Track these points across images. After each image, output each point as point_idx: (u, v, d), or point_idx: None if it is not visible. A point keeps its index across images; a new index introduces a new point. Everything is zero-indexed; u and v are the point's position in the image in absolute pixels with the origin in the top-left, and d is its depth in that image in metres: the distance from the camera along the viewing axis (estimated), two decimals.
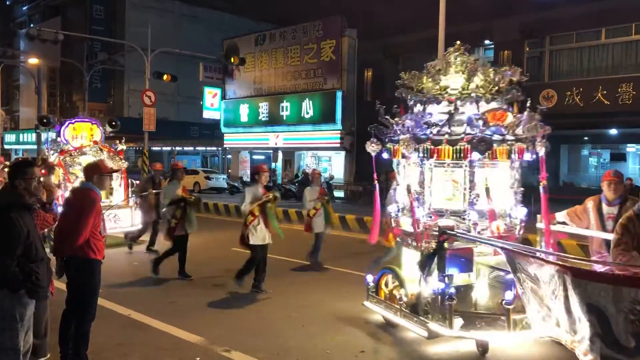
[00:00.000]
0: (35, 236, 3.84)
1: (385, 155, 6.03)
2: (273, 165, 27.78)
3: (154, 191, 10.58)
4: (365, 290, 6.34)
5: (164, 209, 8.67)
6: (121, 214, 11.16)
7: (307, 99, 25.56)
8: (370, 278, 6.34)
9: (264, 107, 27.71)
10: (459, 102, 5.63)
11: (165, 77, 22.34)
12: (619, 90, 18.13)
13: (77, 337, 4.71)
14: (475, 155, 5.37)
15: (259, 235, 7.55)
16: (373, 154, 6.08)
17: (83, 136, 11.76)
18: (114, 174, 11.15)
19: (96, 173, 4.82)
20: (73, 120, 11.92)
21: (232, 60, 23.70)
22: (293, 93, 26.43)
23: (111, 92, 37.47)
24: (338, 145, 24.78)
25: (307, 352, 5.44)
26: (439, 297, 5.12)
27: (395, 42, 23.04)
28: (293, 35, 26.57)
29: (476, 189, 5.52)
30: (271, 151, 27.89)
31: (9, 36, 44.83)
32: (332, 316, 6.71)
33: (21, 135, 43.34)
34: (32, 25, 37.51)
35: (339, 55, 24.54)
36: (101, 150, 11.51)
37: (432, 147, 5.52)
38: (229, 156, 32.61)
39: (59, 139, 11.62)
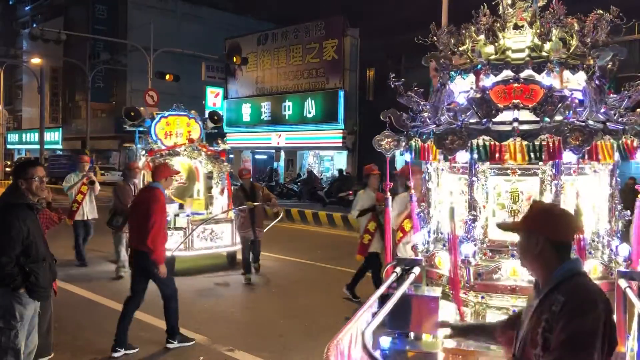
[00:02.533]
0: (38, 235, 3.84)
1: (407, 157, 4.04)
2: (275, 165, 27.80)
3: (253, 203, 8.60)
4: None
5: (359, 219, 7.32)
6: (219, 230, 9.16)
7: (309, 99, 25.54)
8: None
9: (266, 107, 27.70)
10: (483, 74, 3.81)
11: (167, 76, 22.38)
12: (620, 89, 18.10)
13: (165, 308, 5.67)
14: (462, 157, 3.63)
15: (408, 255, 6.18)
16: (387, 154, 3.91)
17: (178, 133, 9.80)
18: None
19: (164, 175, 5.56)
20: (166, 114, 9.86)
21: (235, 59, 23.65)
22: (295, 93, 26.41)
23: (114, 91, 37.47)
24: (340, 144, 24.74)
25: (310, 351, 5.45)
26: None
27: (398, 41, 22.96)
28: (295, 35, 26.55)
29: (478, 209, 3.71)
30: (273, 151, 27.89)
31: (12, 36, 44.91)
32: (335, 315, 6.71)
33: (24, 135, 43.47)
34: (34, 25, 37.60)
35: (341, 54, 24.51)
36: (198, 150, 9.54)
37: (422, 143, 3.79)
38: (231, 156, 32.62)
39: (147, 137, 9.70)
